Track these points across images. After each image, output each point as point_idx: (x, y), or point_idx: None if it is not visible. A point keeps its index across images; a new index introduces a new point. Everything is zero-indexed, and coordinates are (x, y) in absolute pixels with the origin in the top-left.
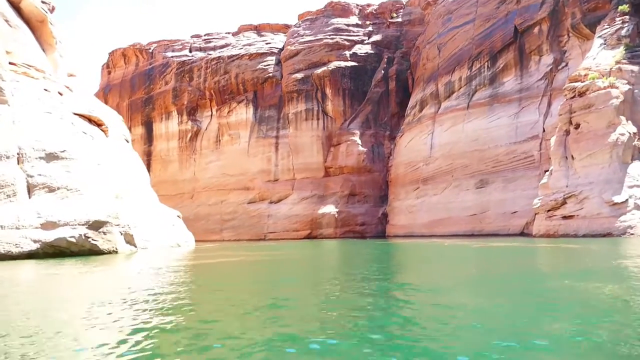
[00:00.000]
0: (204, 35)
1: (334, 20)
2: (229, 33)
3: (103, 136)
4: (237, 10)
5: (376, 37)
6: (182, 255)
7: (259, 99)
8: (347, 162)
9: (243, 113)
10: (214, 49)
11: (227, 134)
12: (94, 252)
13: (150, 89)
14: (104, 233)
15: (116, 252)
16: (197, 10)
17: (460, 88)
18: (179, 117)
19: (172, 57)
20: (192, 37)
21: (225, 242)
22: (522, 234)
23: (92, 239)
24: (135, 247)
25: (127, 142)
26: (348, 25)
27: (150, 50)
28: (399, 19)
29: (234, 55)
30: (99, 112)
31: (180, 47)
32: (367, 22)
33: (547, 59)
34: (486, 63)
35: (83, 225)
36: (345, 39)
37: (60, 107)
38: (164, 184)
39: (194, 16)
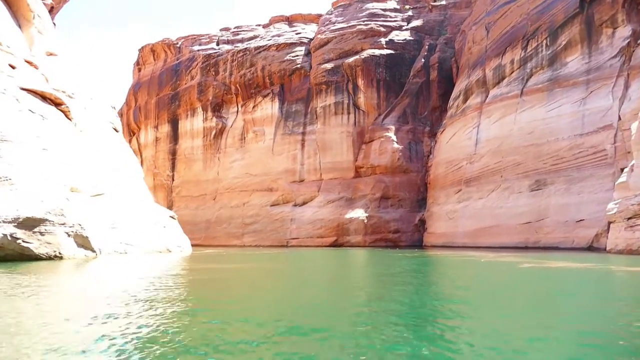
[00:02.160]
0: (233, 28)
1: (369, 5)
2: (259, 25)
3: (61, 118)
4: (271, 3)
5: (416, 22)
6: (162, 266)
7: (285, 93)
8: (380, 161)
9: (268, 108)
10: (241, 41)
11: (252, 130)
12: (28, 257)
13: (177, 85)
14: (41, 234)
15: (60, 258)
16: (229, 4)
17: (512, 72)
18: (203, 113)
19: (198, 50)
20: (220, 30)
21: (244, 248)
22: (591, 248)
23: (24, 241)
24: (94, 251)
25: (116, 131)
26: (385, 10)
27: (178, 45)
28: (443, 2)
29: (260, 47)
30: (71, 91)
31: (207, 40)
32: (407, 7)
33: (624, 32)
34: (544, 41)
35: (10, 222)
36: (381, 25)
37: (5, 80)
38: (188, 185)
39: (226, 11)
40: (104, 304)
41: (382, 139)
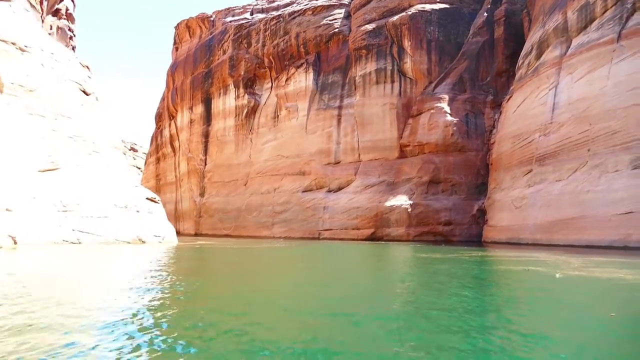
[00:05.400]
0: None
1: None
2: None
3: None
4: None
5: None
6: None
7: (322, 62)
8: (430, 137)
9: (302, 80)
10: (277, 8)
11: (285, 107)
12: None
13: (210, 62)
14: None
15: None
16: None
17: (606, 11)
18: (235, 90)
19: (230, 22)
20: None
21: (272, 240)
22: None
23: None
24: None
25: (86, 94)
26: None
27: (212, 19)
28: None
29: (295, 12)
30: (23, 43)
31: (241, 10)
32: None
33: None
34: None
35: None
36: None
37: None
38: (219, 169)
39: None
40: None
41: (432, 111)
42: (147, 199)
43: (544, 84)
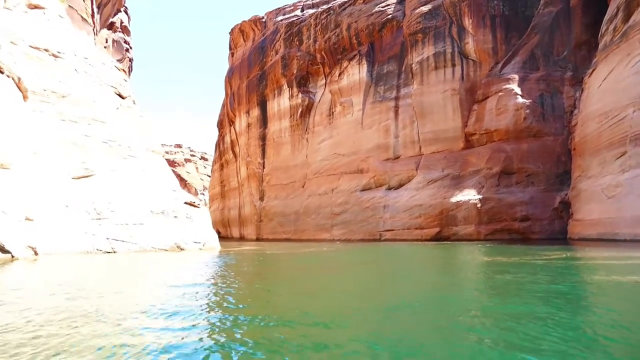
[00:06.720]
0: None
1: None
2: None
3: None
4: None
5: None
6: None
7: (376, 52)
8: (499, 123)
9: (355, 73)
10: (327, 2)
11: (339, 102)
12: None
13: (264, 64)
14: None
15: None
16: None
17: None
18: (289, 90)
19: (281, 20)
20: None
21: (330, 243)
22: None
23: None
24: (6, 252)
25: (122, 97)
26: None
27: (264, 20)
28: None
29: (345, 3)
30: (56, 49)
31: (292, 8)
32: None
33: None
34: None
35: None
36: None
37: None
38: (277, 172)
39: None
40: None
41: (500, 94)
42: (186, 203)
43: (636, 50)
